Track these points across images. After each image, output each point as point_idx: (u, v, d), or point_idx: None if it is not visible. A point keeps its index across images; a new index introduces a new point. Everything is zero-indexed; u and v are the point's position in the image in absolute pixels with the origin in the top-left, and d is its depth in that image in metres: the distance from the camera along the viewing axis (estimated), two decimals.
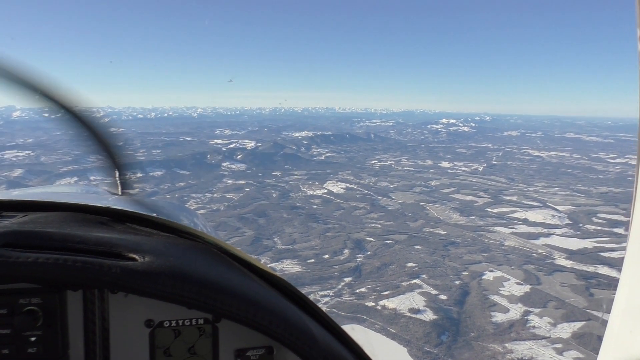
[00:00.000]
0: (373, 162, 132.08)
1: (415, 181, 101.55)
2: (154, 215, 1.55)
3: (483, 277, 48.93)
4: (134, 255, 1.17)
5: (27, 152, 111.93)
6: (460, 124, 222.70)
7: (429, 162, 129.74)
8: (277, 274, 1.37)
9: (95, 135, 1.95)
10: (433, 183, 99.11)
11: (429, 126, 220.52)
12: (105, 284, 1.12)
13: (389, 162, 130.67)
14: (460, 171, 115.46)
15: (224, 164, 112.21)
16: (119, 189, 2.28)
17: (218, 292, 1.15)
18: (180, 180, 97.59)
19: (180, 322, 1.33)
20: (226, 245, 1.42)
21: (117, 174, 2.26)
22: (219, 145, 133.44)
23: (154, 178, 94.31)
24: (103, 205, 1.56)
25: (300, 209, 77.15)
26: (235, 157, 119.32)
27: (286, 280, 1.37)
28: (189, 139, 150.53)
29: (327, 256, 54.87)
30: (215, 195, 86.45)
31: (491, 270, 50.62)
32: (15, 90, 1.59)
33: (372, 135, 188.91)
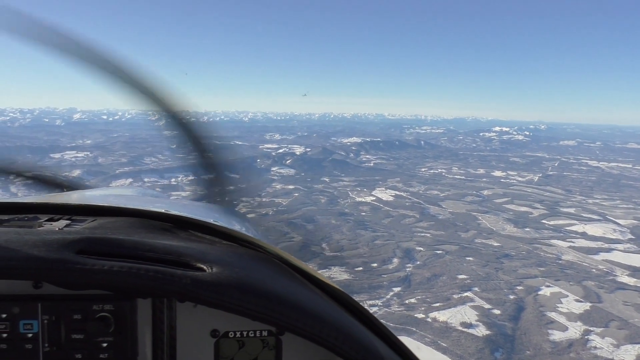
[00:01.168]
0: (423, 169, 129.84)
1: (467, 190, 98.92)
2: (214, 222, 1.58)
3: (539, 293, 46.88)
4: (202, 266, 1.21)
5: (85, 153, 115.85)
6: (514, 132, 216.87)
7: (481, 171, 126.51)
8: (337, 286, 1.38)
9: (193, 138, 2.05)
10: (485, 192, 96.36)
11: (481, 134, 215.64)
12: (176, 294, 1.15)
13: (440, 170, 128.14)
14: (514, 181, 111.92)
15: (273, 169, 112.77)
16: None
17: (284, 305, 1.17)
18: (230, 183, 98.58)
19: (245, 334, 1.34)
20: (286, 256, 1.44)
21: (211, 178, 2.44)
22: (269, 150, 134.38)
23: (205, 181, 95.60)
24: (166, 212, 1.60)
25: (349, 215, 76.42)
26: (284, 161, 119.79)
27: (347, 292, 1.38)
28: (240, 142, 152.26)
29: (375, 264, 53.94)
30: (264, 199, 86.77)
31: (548, 286, 48.42)
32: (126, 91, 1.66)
33: (422, 142, 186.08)
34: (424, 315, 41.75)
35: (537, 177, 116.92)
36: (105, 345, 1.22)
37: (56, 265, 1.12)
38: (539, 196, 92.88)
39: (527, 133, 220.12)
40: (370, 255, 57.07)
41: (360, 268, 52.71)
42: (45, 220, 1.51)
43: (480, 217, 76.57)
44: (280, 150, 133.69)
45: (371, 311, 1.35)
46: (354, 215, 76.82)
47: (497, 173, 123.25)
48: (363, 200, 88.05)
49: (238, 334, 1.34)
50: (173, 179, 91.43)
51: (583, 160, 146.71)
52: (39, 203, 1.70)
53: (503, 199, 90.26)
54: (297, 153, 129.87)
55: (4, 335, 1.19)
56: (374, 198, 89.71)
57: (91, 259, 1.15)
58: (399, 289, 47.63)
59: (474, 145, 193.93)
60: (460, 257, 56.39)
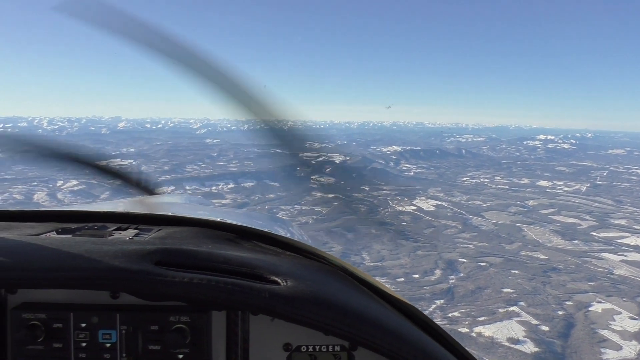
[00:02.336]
0: (464, 179, 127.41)
1: (511, 200, 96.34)
2: (276, 233, 1.62)
3: (590, 309, 44.93)
4: (276, 279, 1.22)
5: (129, 160, 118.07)
6: (560, 141, 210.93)
7: (526, 181, 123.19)
8: (407, 300, 1.39)
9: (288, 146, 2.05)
10: (530, 203, 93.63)
11: (524, 142, 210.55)
12: (254, 308, 1.17)
13: (482, 180, 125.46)
14: (561, 191, 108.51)
15: (313, 177, 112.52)
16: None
17: (358, 320, 1.17)
18: (271, 191, 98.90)
19: (317, 348, 1.33)
20: (352, 268, 1.46)
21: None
22: (308, 158, 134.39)
23: (245, 189, 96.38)
24: (230, 222, 1.66)
25: (389, 224, 75.31)
26: (324, 170, 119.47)
27: (417, 307, 1.39)
28: (280, 150, 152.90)
29: (417, 276, 52.92)
30: (304, 207, 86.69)
31: (599, 302, 46.34)
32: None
33: (463, 151, 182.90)
34: (468, 330, 40.56)
35: (585, 187, 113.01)
36: (181, 356, 1.23)
37: (137, 276, 1.15)
38: (588, 207, 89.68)
39: (574, 141, 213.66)
40: (411, 266, 56.11)
41: (402, 279, 51.80)
42: (114, 229, 1.58)
43: (525, 229, 74.43)
44: (320, 159, 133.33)
45: (446, 329, 1.31)
46: (394, 224, 75.66)
47: (543, 183, 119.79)
48: (404, 209, 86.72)
49: (310, 348, 1.33)
50: (214, 187, 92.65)
51: (633, 170, 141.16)
52: (105, 212, 1.77)
53: (549, 209, 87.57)
54: (337, 161, 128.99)
55: (83, 344, 1.23)
56: (415, 208, 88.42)
57: (171, 271, 1.17)
58: (441, 301, 46.52)
59: (518, 154, 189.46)
60: (505, 270, 54.77)
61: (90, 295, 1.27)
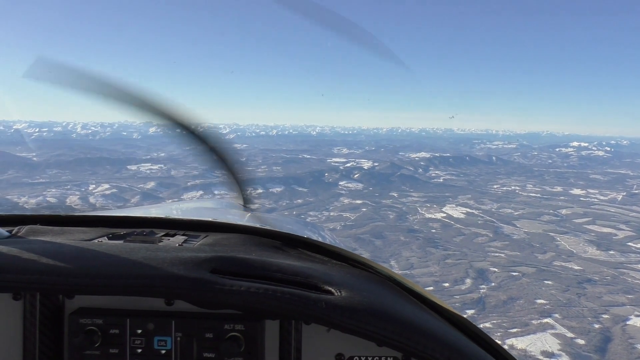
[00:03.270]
0: (495, 186, 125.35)
1: (543, 209, 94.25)
2: (320, 240, 1.63)
3: (628, 323, 43.33)
4: (330, 288, 1.22)
5: (159, 165, 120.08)
6: (594, 148, 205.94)
7: (559, 189, 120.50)
8: (455, 310, 1.38)
9: (214, 152, 2.20)
10: (564, 212, 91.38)
11: (557, 149, 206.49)
12: (311, 318, 1.16)
13: (513, 187, 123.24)
14: (595, 200, 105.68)
15: (341, 183, 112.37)
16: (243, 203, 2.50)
17: (412, 331, 1.16)
18: (298, 197, 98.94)
19: (370, 359, 1.32)
20: (398, 277, 1.45)
21: (239, 188, 2.56)
22: (337, 164, 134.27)
23: (273, 194, 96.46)
24: (275, 229, 1.67)
25: (418, 232, 74.57)
26: (352, 176, 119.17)
27: (466, 318, 1.38)
28: (308, 156, 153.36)
29: (447, 284, 52.05)
30: (332, 213, 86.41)
31: (637, 315, 44.69)
32: (132, 108, 1.85)
33: (493, 158, 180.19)
34: (500, 342, 39.26)
35: (620, 196, 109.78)
36: None
37: (196, 284, 1.16)
38: (624, 216, 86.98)
39: (608, 149, 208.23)
40: (441, 274, 55.26)
41: (431, 288, 50.86)
42: (162, 236, 1.60)
43: (558, 238, 72.66)
44: (348, 165, 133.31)
45: (498, 340, 1.28)
46: (423, 232, 74.92)
47: (576, 191, 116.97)
48: (433, 216, 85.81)
49: (362, 359, 1.31)
50: None
51: None
52: (152, 218, 1.82)
53: (583, 219, 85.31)
54: (365, 167, 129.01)
55: (139, 350, 1.25)
56: (445, 215, 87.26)
57: (228, 280, 1.19)
58: (472, 311, 45.50)
59: (550, 161, 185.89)
60: (538, 281, 53.42)
61: (144, 301, 1.29)
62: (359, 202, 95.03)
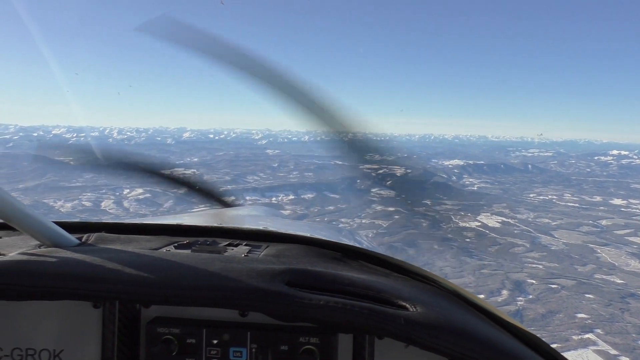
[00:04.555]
0: (531, 195, 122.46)
1: (582, 219, 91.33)
2: (377, 252, 1.63)
3: None
4: (404, 304, 1.22)
5: (192, 170, 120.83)
6: (635, 156, 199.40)
7: (598, 199, 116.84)
8: (524, 326, 1.36)
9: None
10: (604, 223, 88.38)
11: (595, 158, 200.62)
12: (389, 333, 1.15)
13: (550, 197, 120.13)
14: (637, 210, 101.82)
15: (373, 190, 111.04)
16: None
17: (491, 350, 1.15)
18: (330, 203, 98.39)
19: None
20: (464, 291, 1.44)
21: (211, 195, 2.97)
22: (369, 170, 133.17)
23: (304, 200, 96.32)
24: (335, 241, 1.70)
25: (452, 241, 73.09)
26: (384, 182, 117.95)
27: (536, 334, 1.35)
28: (340, 162, 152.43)
29: (482, 296, 49.78)
30: (364, 221, 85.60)
31: None
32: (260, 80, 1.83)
33: (529, 166, 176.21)
34: None
35: None
36: None
37: (274, 297, 1.17)
38: None
39: None
40: (476, 285, 53.80)
41: None
42: (225, 245, 1.64)
43: (599, 250, 70.09)
44: (380, 171, 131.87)
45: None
46: (457, 241, 73.34)
47: (617, 201, 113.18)
48: (467, 225, 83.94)
49: None
50: (273, 198, 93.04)
51: None
52: (212, 227, 1.87)
53: (625, 230, 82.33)
54: (398, 174, 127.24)
55: None
56: (479, 224, 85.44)
57: (305, 293, 1.20)
58: None
59: (589, 170, 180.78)
60: (578, 294, 51.52)
61: (219, 312, 1.31)
62: (391, 209, 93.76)
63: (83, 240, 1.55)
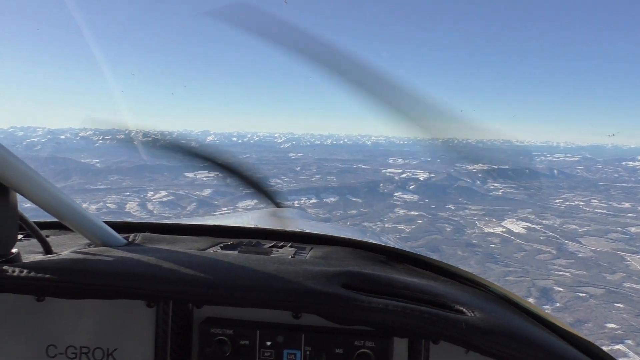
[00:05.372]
0: (557, 201, 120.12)
1: (610, 226, 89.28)
2: (419, 253, 1.63)
3: None
4: (461, 308, 1.20)
5: (215, 173, 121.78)
6: None
7: (627, 205, 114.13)
8: (579, 333, 1.34)
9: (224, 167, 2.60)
10: (633, 230, 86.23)
11: (623, 163, 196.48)
12: (450, 338, 1.14)
13: (577, 202, 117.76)
14: None
15: (396, 194, 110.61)
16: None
17: (548, 355, 1.13)
18: (353, 207, 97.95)
19: None
20: (514, 296, 1.42)
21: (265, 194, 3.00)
22: (392, 174, 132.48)
23: (327, 204, 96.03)
24: (379, 243, 1.71)
25: (477, 246, 72.08)
26: (407, 187, 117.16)
27: (594, 343, 1.33)
28: (363, 166, 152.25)
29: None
30: (386, 225, 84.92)
31: None
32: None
33: (555, 171, 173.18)
34: None
35: None
36: None
37: (334, 300, 1.16)
38: None
39: None
40: None
41: None
42: (270, 246, 1.65)
43: (628, 258, 68.37)
44: (404, 175, 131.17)
45: None
46: (482, 246, 72.34)
47: None
48: (492, 231, 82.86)
49: None
50: (296, 201, 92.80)
51: None
52: (255, 228, 1.89)
53: None
54: (421, 178, 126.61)
55: None
56: (504, 229, 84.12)
57: (364, 296, 1.19)
58: None
59: (616, 175, 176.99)
60: (607, 303, 50.22)
61: (271, 313, 1.31)
62: (414, 213, 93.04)
63: (130, 240, 1.57)
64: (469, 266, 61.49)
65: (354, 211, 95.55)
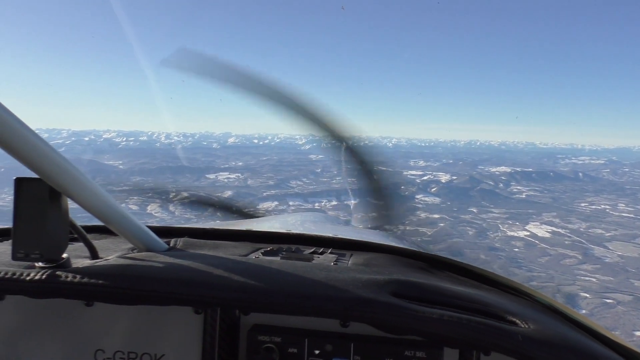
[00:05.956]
0: (583, 204, 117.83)
1: (638, 231, 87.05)
2: (461, 260, 1.62)
3: None
4: (514, 319, 1.18)
5: (237, 174, 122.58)
6: None
7: None
8: (632, 345, 1.30)
9: (362, 164, 2.42)
10: None
11: None
12: (505, 350, 1.11)
13: (603, 206, 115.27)
14: None
15: (417, 196, 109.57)
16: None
17: None
18: (373, 209, 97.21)
19: None
20: (561, 306, 1.42)
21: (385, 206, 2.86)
22: (413, 177, 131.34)
23: (347, 207, 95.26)
24: (418, 250, 1.69)
25: (500, 250, 70.96)
26: (429, 189, 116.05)
27: None
28: (384, 168, 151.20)
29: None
30: (408, 228, 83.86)
31: None
32: (296, 119, 2.09)
33: (580, 174, 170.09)
34: None
35: None
36: None
37: (388, 309, 1.15)
38: None
39: None
40: None
41: None
42: (311, 253, 1.66)
43: None
44: (425, 178, 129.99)
45: None
46: (505, 250, 71.19)
47: None
48: (515, 234, 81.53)
49: None
50: (316, 203, 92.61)
51: None
52: (292, 234, 1.90)
53: None
54: (443, 181, 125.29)
55: None
56: (528, 233, 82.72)
57: (416, 305, 1.17)
58: None
59: None
60: (635, 310, 48.91)
61: (319, 321, 1.29)
62: (436, 216, 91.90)
63: (172, 245, 1.58)
64: (492, 270, 60.32)
65: (374, 214, 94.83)
